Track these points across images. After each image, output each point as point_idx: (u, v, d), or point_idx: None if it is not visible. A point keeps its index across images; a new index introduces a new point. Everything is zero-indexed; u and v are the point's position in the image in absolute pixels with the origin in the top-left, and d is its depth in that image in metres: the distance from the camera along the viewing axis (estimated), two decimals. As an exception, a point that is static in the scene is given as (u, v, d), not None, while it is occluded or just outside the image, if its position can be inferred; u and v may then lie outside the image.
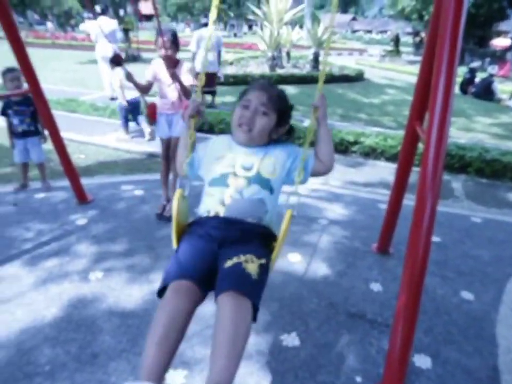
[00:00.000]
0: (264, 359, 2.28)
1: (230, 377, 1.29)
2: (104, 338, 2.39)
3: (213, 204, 1.67)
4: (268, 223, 1.72)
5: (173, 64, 3.47)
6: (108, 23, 9.38)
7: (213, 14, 2.04)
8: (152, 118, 3.89)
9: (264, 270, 1.52)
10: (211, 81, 9.27)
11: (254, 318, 1.45)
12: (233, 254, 1.50)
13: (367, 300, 2.85)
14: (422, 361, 2.32)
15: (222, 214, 1.63)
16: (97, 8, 10.12)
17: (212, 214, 1.66)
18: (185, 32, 44.52)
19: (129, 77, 3.34)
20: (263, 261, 1.51)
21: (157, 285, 2.24)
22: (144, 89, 3.60)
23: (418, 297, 1.97)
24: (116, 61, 4.08)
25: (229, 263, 1.46)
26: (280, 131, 1.77)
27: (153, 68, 3.64)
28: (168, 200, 3.95)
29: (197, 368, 2.20)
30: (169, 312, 1.44)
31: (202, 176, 1.85)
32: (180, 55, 3.70)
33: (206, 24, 9.42)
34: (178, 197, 1.82)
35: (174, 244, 1.73)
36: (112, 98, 9.63)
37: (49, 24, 41.31)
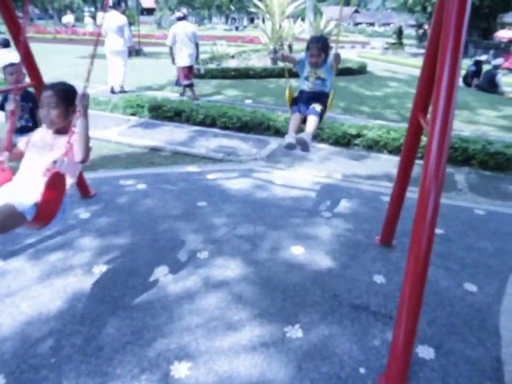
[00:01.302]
0: (268, 351, 2.29)
1: (313, 131, 3.42)
2: (109, 331, 2.40)
3: (304, 86, 3.64)
4: (326, 89, 3.58)
5: None
6: (118, 18, 9.39)
7: None
8: None
9: (322, 109, 3.51)
10: (189, 75, 9.45)
11: (321, 116, 3.53)
12: (312, 103, 3.53)
13: (371, 291, 2.86)
14: (425, 352, 2.33)
15: (309, 90, 3.60)
16: (110, 2, 10.05)
17: (306, 90, 3.62)
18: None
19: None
20: (322, 106, 3.51)
21: (161, 277, 2.95)
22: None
23: (421, 289, 1.98)
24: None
25: (310, 107, 3.51)
26: (324, 56, 3.53)
27: None
28: None
29: (201, 359, 2.22)
30: (293, 120, 3.59)
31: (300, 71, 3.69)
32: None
33: (181, 18, 9.43)
34: (289, 88, 3.63)
35: (289, 107, 3.69)
36: (113, 92, 9.64)
37: (68, 18, 34.26)
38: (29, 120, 4.34)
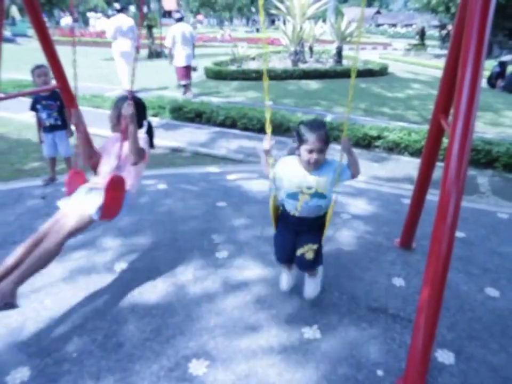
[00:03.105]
0: (285, 351, 2.30)
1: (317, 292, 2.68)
2: (129, 328, 2.45)
3: (290, 208, 2.53)
4: (323, 211, 2.55)
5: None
6: (126, 21, 9.64)
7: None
8: None
9: (318, 249, 2.50)
10: (188, 75, 9.80)
11: (320, 260, 2.59)
12: (301, 244, 2.48)
13: (389, 294, 2.83)
14: (445, 356, 2.30)
15: (297, 215, 2.50)
16: (117, 5, 10.33)
17: (291, 213, 2.52)
18: (197, 29, 43.86)
19: None
20: (315, 246, 2.47)
21: (180, 276, 3.01)
22: None
23: (441, 293, 1.95)
24: None
25: (298, 253, 2.49)
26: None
27: None
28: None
29: (219, 358, 2.24)
30: (284, 277, 2.77)
31: (280, 188, 2.57)
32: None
33: (179, 19, 9.78)
34: (273, 199, 2.58)
35: (274, 229, 2.68)
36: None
37: (66, 20, 33.54)
38: (57, 119, 4.46)
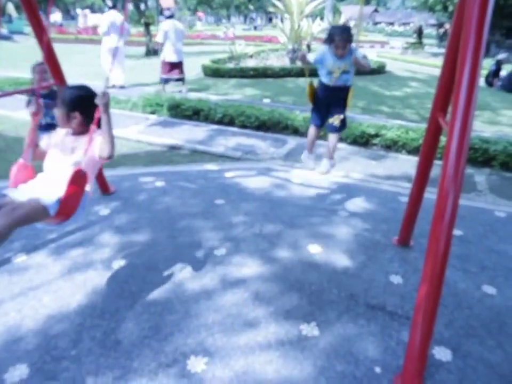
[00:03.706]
0: (283, 348, 2.31)
1: (331, 156, 4.04)
2: (127, 325, 2.45)
3: (326, 80, 3.67)
4: (348, 83, 3.68)
5: None
6: (118, 17, 9.83)
7: None
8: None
9: (344, 119, 3.74)
10: (180, 69, 9.99)
11: (345, 126, 3.89)
12: (332, 114, 3.74)
13: (387, 292, 2.84)
14: (442, 354, 2.31)
15: (331, 85, 3.65)
16: (109, 2, 10.43)
17: (327, 84, 3.67)
18: (196, 26, 43.63)
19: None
20: (342, 116, 3.71)
21: (178, 273, 3.01)
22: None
23: (439, 290, 1.97)
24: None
25: (329, 121, 3.75)
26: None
27: None
28: None
29: (217, 355, 2.25)
30: (311, 135, 3.99)
31: (321, 68, 3.75)
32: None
33: (170, 16, 10.08)
34: (310, 84, 3.78)
35: (312, 104, 3.87)
36: (113, 86, 9.90)
37: (55, 16, 30.43)
38: (54, 117, 4.44)
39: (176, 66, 9.90)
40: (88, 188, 2.39)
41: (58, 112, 2.53)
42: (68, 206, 2.29)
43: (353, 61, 3.52)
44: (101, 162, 2.51)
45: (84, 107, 2.45)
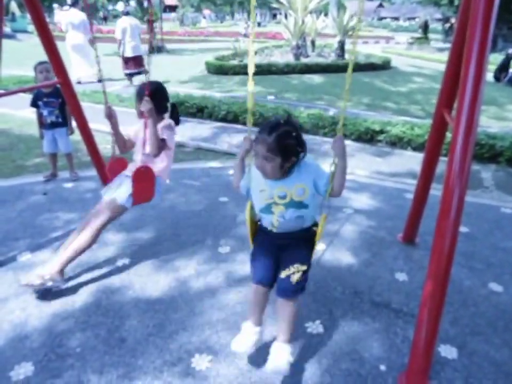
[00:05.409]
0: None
1: (288, 339, 2.06)
2: (132, 323, 2.45)
3: (267, 224, 2.19)
4: (308, 223, 2.18)
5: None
6: (77, 15, 10.26)
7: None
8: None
9: (305, 272, 2.10)
10: (140, 63, 10.44)
11: (304, 288, 2.13)
12: (286, 264, 2.09)
13: (392, 289, 2.83)
14: (448, 351, 2.30)
15: (275, 231, 2.16)
16: (68, 0, 10.84)
17: (269, 229, 2.19)
18: (201, 23, 43.50)
19: None
20: (304, 267, 2.09)
21: (183, 271, 3.01)
22: None
23: (444, 288, 1.95)
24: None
25: (282, 275, 2.07)
26: (291, 162, 2.03)
27: None
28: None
29: (222, 353, 2.24)
30: (254, 299, 2.16)
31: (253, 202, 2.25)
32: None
33: (126, 13, 10.79)
34: (249, 208, 2.24)
35: (251, 245, 2.30)
36: (79, 82, 10.20)
37: None
38: (58, 116, 4.45)
39: (135, 60, 10.39)
40: (160, 174, 2.86)
41: (150, 115, 2.71)
42: (141, 196, 2.78)
43: (320, 182, 2.05)
44: (170, 151, 2.90)
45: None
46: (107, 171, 3.04)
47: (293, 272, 2.04)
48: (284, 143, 1.96)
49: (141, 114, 2.78)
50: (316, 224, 2.19)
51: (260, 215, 2.22)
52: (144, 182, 2.73)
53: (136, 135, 2.99)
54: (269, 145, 1.95)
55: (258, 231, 2.30)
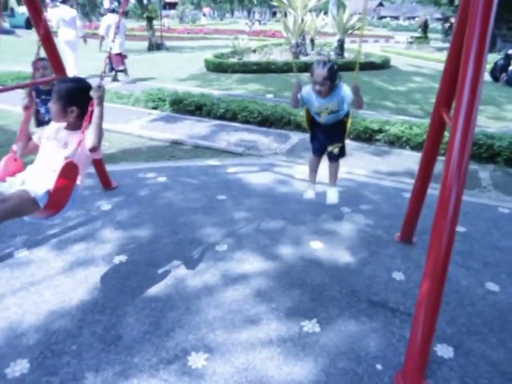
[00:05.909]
0: (284, 344, 2.30)
1: (335, 184, 3.64)
2: (128, 321, 2.45)
3: (317, 119, 3.38)
4: (341, 117, 3.35)
5: None
6: (67, 11, 10.26)
7: None
8: None
9: (342, 146, 3.49)
10: (122, 60, 10.60)
11: (344, 154, 3.58)
12: (331, 142, 3.44)
13: (389, 288, 2.83)
14: (444, 351, 2.30)
15: (323, 123, 3.37)
16: None
17: (318, 122, 3.39)
18: (200, 21, 43.32)
19: None
20: (340, 144, 3.46)
21: (180, 269, 3.00)
22: None
23: (441, 287, 1.95)
24: None
25: (328, 149, 3.48)
26: (334, 84, 3.16)
27: None
28: None
29: (218, 351, 2.24)
30: (311, 164, 3.69)
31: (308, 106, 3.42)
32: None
33: (112, 11, 10.91)
34: (306, 111, 3.47)
35: (309, 131, 3.60)
36: None
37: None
38: None
39: (120, 56, 10.47)
40: (79, 181, 2.36)
41: (54, 107, 2.45)
42: (58, 198, 2.25)
43: (346, 100, 3.18)
44: (92, 158, 2.48)
45: (81, 100, 2.40)
46: (0, 168, 2.46)
47: (334, 148, 3.43)
48: (331, 72, 3.07)
49: (61, 114, 2.44)
50: (347, 115, 3.38)
51: (314, 115, 3.39)
52: (68, 180, 2.26)
53: (46, 138, 2.50)
54: (323, 75, 3.05)
55: (312, 123, 3.49)
